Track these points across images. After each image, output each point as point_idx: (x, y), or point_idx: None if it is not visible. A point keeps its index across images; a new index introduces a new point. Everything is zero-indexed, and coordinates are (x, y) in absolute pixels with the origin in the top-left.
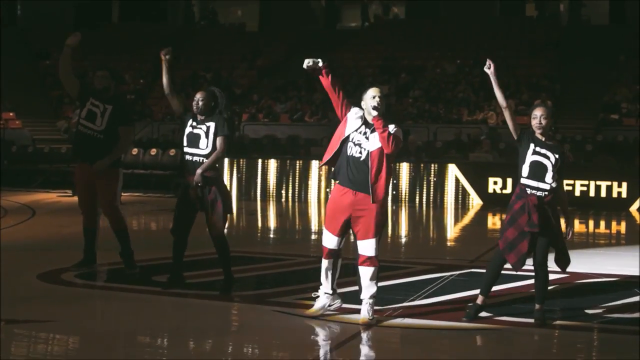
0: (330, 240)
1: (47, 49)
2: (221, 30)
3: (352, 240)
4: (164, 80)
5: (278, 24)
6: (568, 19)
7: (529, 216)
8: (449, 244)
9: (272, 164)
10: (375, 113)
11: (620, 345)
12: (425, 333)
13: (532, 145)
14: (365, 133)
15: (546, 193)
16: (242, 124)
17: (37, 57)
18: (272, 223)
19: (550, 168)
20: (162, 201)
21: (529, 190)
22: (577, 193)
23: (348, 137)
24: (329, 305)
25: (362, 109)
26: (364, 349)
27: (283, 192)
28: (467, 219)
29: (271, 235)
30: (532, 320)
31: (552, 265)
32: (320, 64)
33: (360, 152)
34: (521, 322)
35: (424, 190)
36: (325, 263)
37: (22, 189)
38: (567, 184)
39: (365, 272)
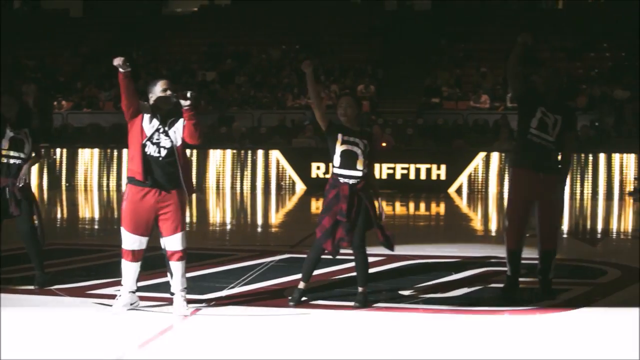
0: (136, 242)
1: None
2: (44, 16)
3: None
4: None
5: (103, 10)
6: (392, 4)
7: (340, 206)
8: (273, 230)
9: (96, 154)
10: (188, 102)
11: (434, 323)
12: (247, 320)
13: (340, 136)
14: (163, 131)
15: (358, 180)
16: (66, 113)
17: None
18: (95, 213)
19: (360, 155)
20: None
21: (341, 179)
22: (398, 176)
23: (149, 137)
24: (131, 304)
25: (151, 106)
26: (184, 339)
27: (105, 181)
28: (290, 204)
29: (95, 226)
30: (353, 303)
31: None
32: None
33: (160, 152)
34: (344, 305)
35: (249, 176)
36: (133, 265)
37: None
38: (389, 168)
39: (177, 266)
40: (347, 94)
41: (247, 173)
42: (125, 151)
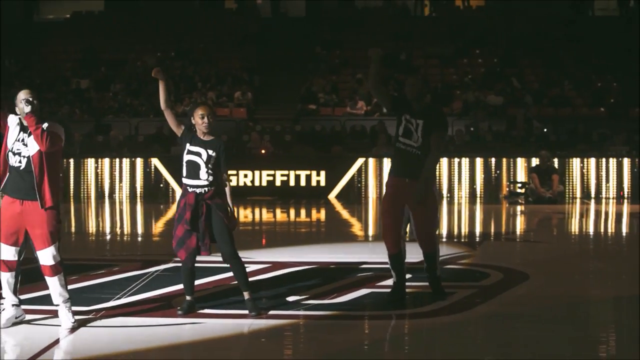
0: (7, 252)
1: None
2: None
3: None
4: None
5: None
6: (267, 11)
7: (186, 214)
8: (154, 239)
9: None
10: (28, 109)
11: (323, 329)
12: (138, 330)
13: (187, 145)
14: (23, 140)
15: (205, 189)
16: None
17: None
18: None
19: (202, 165)
20: None
21: (189, 189)
22: (278, 183)
23: (10, 148)
24: (16, 317)
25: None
26: (73, 352)
27: None
28: (171, 213)
29: None
30: (245, 311)
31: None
32: None
33: (20, 162)
34: (235, 313)
35: (127, 185)
36: (6, 275)
37: None
38: (268, 174)
39: (53, 281)
40: (203, 104)
41: (126, 182)
42: None
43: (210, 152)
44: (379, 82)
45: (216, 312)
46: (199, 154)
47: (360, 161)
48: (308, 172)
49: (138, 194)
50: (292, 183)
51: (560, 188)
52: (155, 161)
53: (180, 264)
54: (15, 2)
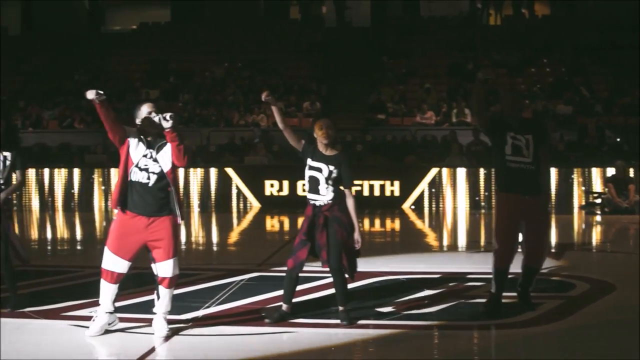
0: (120, 266)
1: None
2: None
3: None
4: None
5: (41, 28)
6: (331, 21)
7: (304, 225)
8: (232, 248)
9: (46, 173)
10: (169, 124)
11: (417, 339)
12: (230, 340)
13: (309, 161)
14: (151, 156)
15: (324, 203)
16: None
17: None
18: (52, 234)
19: (322, 181)
20: None
21: (310, 202)
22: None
23: (136, 164)
24: (109, 324)
25: (137, 130)
26: None
27: (59, 201)
28: (245, 223)
29: (59, 247)
30: (338, 321)
31: None
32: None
33: (149, 178)
34: (327, 323)
35: (202, 195)
36: (112, 287)
37: None
38: None
39: (166, 292)
40: (324, 118)
41: (199, 191)
42: (76, 171)
43: (331, 167)
44: (482, 102)
45: (308, 321)
46: (319, 170)
47: (434, 171)
48: (382, 182)
49: (211, 204)
50: (365, 193)
51: (637, 198)
52: (229, 171)
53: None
54: (82, 15)
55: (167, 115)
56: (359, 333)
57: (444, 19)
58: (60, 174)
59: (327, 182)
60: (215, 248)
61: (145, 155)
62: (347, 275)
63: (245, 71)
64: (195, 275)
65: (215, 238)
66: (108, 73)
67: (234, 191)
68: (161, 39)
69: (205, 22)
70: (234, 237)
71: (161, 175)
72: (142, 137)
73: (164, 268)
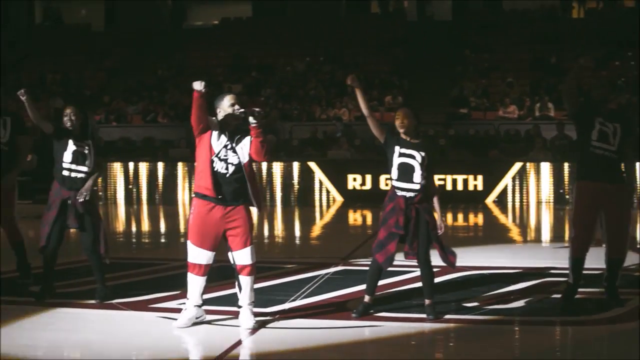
0: (204, 257)
1: None
2: (66, 31)
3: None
4: (31, 114)
5: (124, 23)
6: (412, 15)
7: (396, 218)
8: (315, 242)
9: (131, 167)
10: (255, 121)
11: (499, 335)
12: (316, 332)
13: (397, 148)
14: (231, 147)
15: (416, 193)
16: (96, 127)
17: None
18: (137, 227)
19: (417, 167)
20: (21, 208)
21: (398, 192)
22: None
23: (217, 154)
24: (197, 317)
25: (219, 122)
26: (254, 353)
27: (144, 195)
28: (328, 217)
29: (145, 240)
30: (422, 315)
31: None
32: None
33: (227, 168)
34: (411, 317)
35: (285, 188)
36: (199, 280)
37: None
38: None
39: (246, 280)
40: (405, 106)
41: (282, 185)
42: (159, 165)
43: (422, 153)
44: (575, 87)
45: (394, 315)
46: (412, 157)
47: (517, 165)
48: (465, 177)
49: (293, 197)
50: (449, 187)
51: None
52: (312, 165)
53: (350, 268)
54: (164, 10)
55: (255, 111)
56: (442, 328)
57: (526, 12)
58: (144, 168)
59: (421, 169)
60: (298, 242)
61: (225, 147)
62: (445, 264)
63: (326, 65)
64: (280, 268)
65: (298, 232)
66: (190, 68)
67: (317, 185)
68: (243, 34)
69: (286, 17)
70: (317, 230)
71: (238, 166)
72: (223, 128)
73: (241, 256)
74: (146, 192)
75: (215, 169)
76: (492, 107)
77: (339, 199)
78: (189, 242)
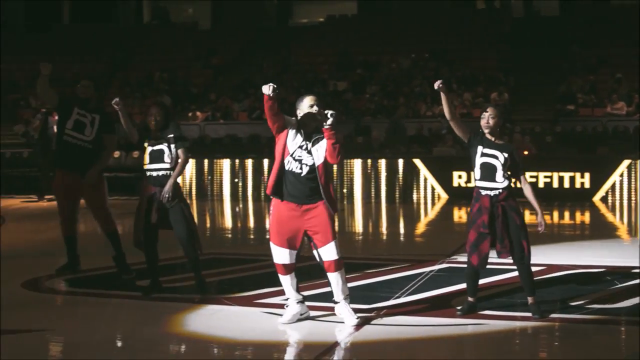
0: (286, 256)
1: None
2: (173, 29)
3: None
4: (123, 123)
5: (230, 22)
6: (518, 10)
7: (482, 218)
8: (421, 239)
9: (237, 164)
10: (330, 121)
11: (605, 335)
12: (418, 330)
13: (480, 148)
14: (306, 148)
15: (500, 191)
16: (203, 124)
17: None
18: (244, 223)
19: (499, 167)
20: (129, 204)
21: (482, 192)
22: (541, 184)
23: (291, 154)
24: (301, 314)
25: (297, 121)
26: (359, 350)
27: (250, 191)
28: (433, 214)
29: (250, 236)
30: (527, 314)
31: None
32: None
33: (301, 168)
34: (516, 315)
35: (390, 185)
36: (286, 278)
37: None
38: (531, 176)
39: (335, 276)
40: (491, 105)
41: (387, 182)
42: (265, 161)
43: (505, 154)
44: None
45: (498, 313)
46: (495, 157)
47: (626, 163)
48: (572, 174)
49: (398, 194)
50: (555, 185)
51: None
52: (417, 162)
53: (454, 266)
54: (270, 8)
55: (329, 113)
56: (546, 327)
57: (635, 6)
58: (250, 165)
59: (503, 169)
60: (403, 239)
61: (301, 147)
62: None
63: (432, 62)
64: (384, 265)
65: (403, 229)
66: (296, 65)
67: (422, 182)
68: (348, 31)
69: (392, 14)
70: (421, 228)
71: (312, 167)
72: (300, 128)
73: (326, 252)
74: (251, 189)
75: (289, 169)
76: (600, 103)
77: (444, 196)
78: (270, 243)
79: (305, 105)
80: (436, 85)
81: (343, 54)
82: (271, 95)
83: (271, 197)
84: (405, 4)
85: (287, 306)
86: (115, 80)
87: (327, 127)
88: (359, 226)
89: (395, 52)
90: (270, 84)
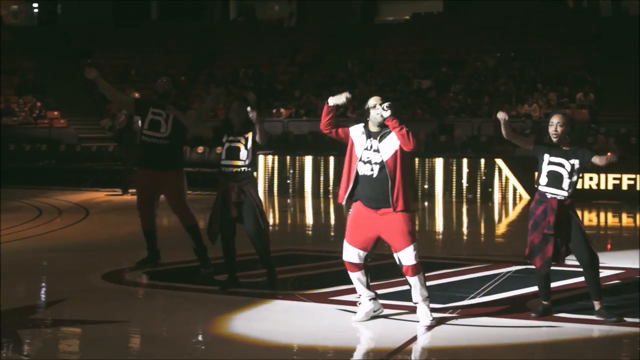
0: (355, 255)
1: (88, 47)
2: (259, 26)
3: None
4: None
5: (315, 19)
6: (607, 10)
7: (548, 219)
8: (500, 240)
9: (321, 161)
10: (388, 113)
11: None
12: (491, 331)
13: (546, 156)
14: (372, 147)
15: (565, 196)
16: (286, 121)
17: (78, 55)
18: (325, 220)
19: (566, 175)
20: (211, 199)
21: (548, 195)
22: (625, 187)
23: (360, 157)
24: (374, 311)
25: (366, 123)
26: (429, 349)
27: (332, 188)
28: (514, 214)
29: (331, 233)
30: (595, 317)
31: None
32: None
33: (372, 169)
34: (590, 319)
35: (472, 185)
36: (356, 274)
37: (72, 188)
38: (615, 178)
39: (414, 281)
40: (558, 111)
41: (468, 182)
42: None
43: (572, 161)
44: None
45: (573, 316)
46: (561, 165)
47: None
48: None
49: (480, 195)
50: (638, 187)
51: None
52: (499, 161)
53: (533, 267)
54: (355, 6)
55: (385, 105)
56: (622, 331)
57: None
58: (333, 162)
59: (570, 177)
60: (483, 239)
61: (366, 148)
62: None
63: (517, 61)
64: (461, 265)
65: (482, 229)
66: (380, 63)
67: (503, 182)
68: (433, 29)
69: (477, 12)
70: (502, 228)
71: (382, 164)
72: (365, 129)
73: (403, 257)
74: (332, 186)
75: (362, 174)
76: None
77: (526, 197)
78: (344, 240)
79: (370, 106)
80: (499, 115)
81: (428, 52)
82: (332, 106)
83: (343, 204)
84: (492, 2)
85: (359, 304)
86: (201, 76)
87: (388, 117)
88: (439, 225)
89: (480, 50)
90: (346, 95)
